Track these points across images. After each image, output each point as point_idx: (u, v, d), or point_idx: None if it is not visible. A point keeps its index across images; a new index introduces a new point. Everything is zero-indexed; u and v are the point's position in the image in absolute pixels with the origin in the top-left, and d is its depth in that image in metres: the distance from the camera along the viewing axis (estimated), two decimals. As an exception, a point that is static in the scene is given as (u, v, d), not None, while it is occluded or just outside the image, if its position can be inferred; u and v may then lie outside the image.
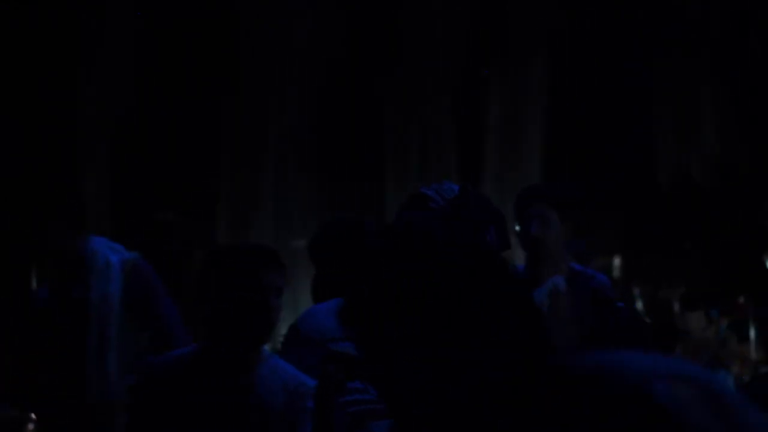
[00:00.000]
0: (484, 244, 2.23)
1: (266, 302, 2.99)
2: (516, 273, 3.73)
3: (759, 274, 8.91)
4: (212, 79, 7.95)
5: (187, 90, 7.92)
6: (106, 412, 3.83)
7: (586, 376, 1.35)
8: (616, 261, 9.92)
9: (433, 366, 1.43)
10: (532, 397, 1.34)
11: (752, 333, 7.32)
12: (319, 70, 8.25)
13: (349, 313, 2.91)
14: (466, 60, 8.61)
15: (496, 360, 1.39)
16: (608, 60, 9.42)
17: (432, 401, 1.42)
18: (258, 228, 7.84)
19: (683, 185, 10.39)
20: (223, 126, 8.02)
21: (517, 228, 3.86)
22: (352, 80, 8.46)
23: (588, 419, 1.31)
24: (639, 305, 8.73)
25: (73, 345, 3.83)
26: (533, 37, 8.85)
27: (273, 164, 8.06)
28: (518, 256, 4.31)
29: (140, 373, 3.22)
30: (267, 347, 3.21)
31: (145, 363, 3.31)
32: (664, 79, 10.10)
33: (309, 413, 2.98)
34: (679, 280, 9.14)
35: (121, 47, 7.67)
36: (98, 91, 7.60)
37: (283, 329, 8.22)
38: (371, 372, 1.56)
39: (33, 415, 4.39)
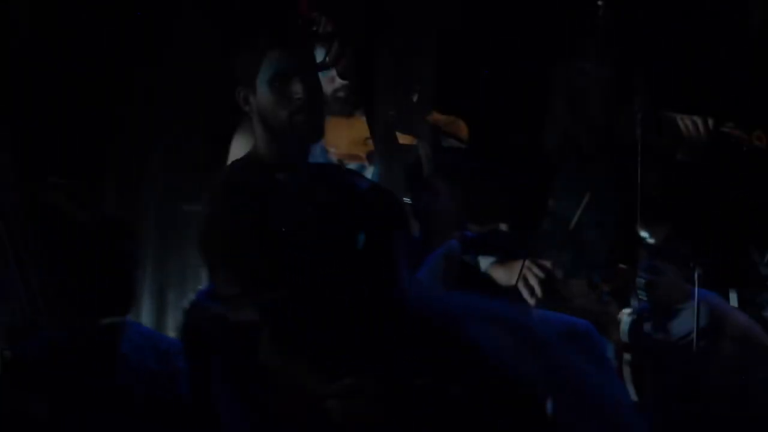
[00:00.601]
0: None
1: (127, 271, 3.07)
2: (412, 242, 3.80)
3: (638, 241, 9.16)
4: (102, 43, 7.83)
5: (77, 54, 7.78)
6: None
7: (413, 315, 1.43)
8: (503, 227, 10.09)
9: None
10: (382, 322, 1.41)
11: (632, 300, 7.54)
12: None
13: None
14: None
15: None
16: (502, 42, 9.54)
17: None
18: (147, 191, 7.76)
19: (571, 153, 10.59)
20: (112, 89, 7.91)
21: (408, 200, 3.93)
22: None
23: (410, 352, 1.39)
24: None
25: None
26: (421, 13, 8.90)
27: (162, 126, 7.99)
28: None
29: (14, 357, 3.19)
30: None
31: (16, 347, 3.27)
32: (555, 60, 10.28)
33: (183, 373, 3.05)
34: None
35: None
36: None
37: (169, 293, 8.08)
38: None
39: None
